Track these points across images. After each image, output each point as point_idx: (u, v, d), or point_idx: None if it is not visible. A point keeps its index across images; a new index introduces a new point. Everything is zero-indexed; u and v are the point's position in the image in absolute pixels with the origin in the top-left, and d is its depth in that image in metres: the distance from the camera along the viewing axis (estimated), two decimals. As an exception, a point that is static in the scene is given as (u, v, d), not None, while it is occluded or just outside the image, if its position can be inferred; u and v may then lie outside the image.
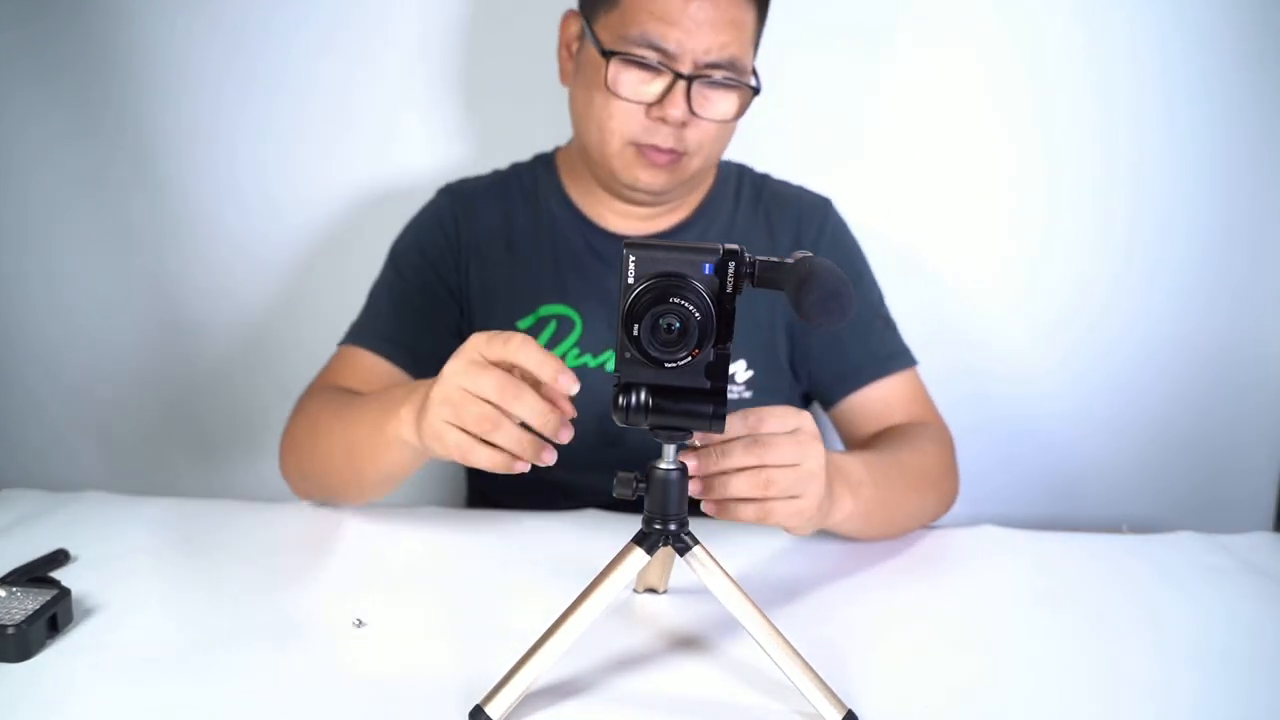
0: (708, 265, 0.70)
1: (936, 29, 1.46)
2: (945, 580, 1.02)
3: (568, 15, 1.18)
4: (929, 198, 1.51)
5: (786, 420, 0.82)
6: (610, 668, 0.83)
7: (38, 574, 0.94)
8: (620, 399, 0.72)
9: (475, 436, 0.81)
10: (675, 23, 1.06)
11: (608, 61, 1.08)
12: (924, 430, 1.17)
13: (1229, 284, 1.50)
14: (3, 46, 1.52)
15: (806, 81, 1.48)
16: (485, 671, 0.79)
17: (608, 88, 1.09)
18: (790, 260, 0.69)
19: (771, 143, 1.36)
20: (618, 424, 0.73)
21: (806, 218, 1.25)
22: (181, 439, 1.68)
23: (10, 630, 0.82)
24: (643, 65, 1.08)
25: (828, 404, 1.26)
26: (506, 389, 0.78)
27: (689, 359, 0.70)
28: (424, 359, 1.23)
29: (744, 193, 1.27)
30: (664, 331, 0.69)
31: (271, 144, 1.55)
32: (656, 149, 1.11)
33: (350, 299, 1.30)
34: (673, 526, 0.76)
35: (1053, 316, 1.53)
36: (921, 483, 1.10)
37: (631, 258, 0.70)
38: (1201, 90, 1.43)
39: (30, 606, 0.85)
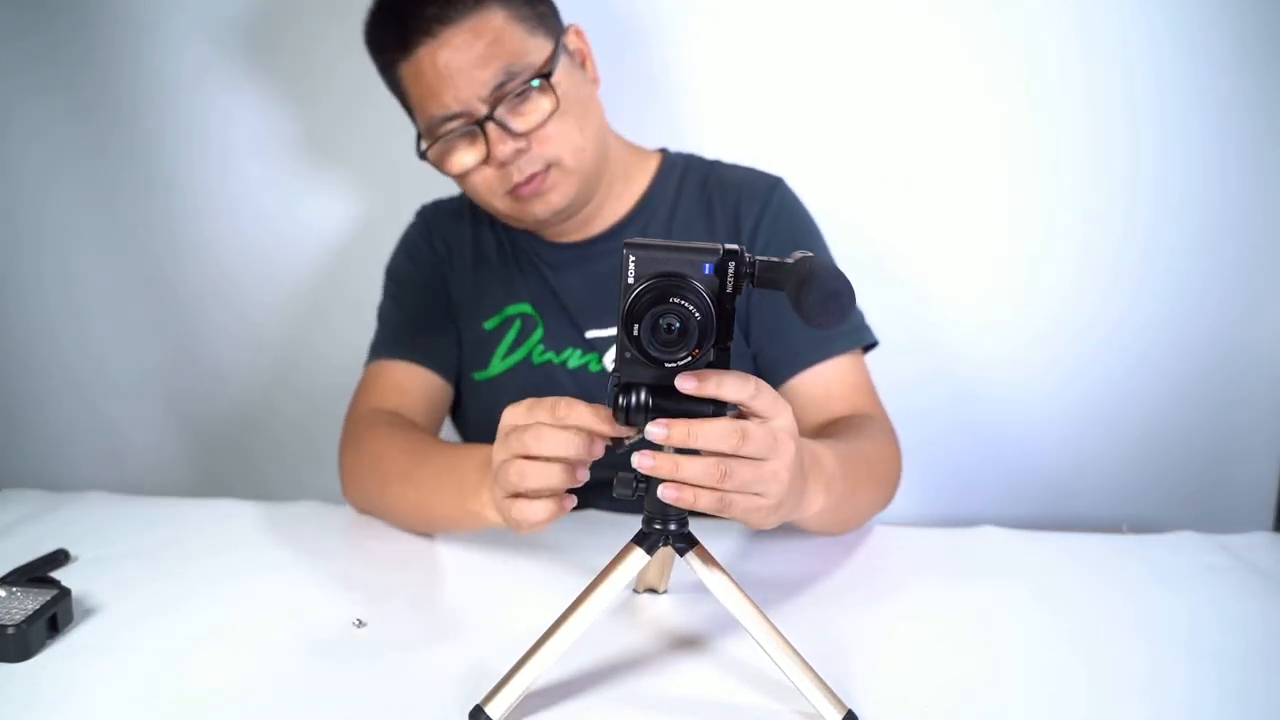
0: (708, 265, 0.70)
1: (925, 30, 1.45)
2: (945, 580, 1.02)
3: None
4: (922, 199, 1.50)
5: (774, 407, 0.76)
6: (610, 668, 0.83)
7: (38, 574, 0.94)
8: (620, 398, 0.72)
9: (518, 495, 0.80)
10: (441, 89, 1.08)
11: (427, 160, 1.14)
12: (871, 423, 1.14)
13: (1226, 282, 1.49)
14: (10, 58, 1.52)
15: (783, 79, 1.47)
16: (485, 671, 0.79)
17: (450, 175, 1.14)
18: (790, 260, 0.69)
19: (751, 144, 1.36)
20: (616, 422, 0.73)
21: (748, 199, 1.23)
22: (181, 440, 1.68)
23: (10, 630, 0.82)
24: (450, 138, 1.11)
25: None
26: (527, 440, 0.77)
27: (689, 359, 0.70)
28: (445, 355, 1.26)
29: (687, 182, 1.26)
30: (664, 331, 0.69)
31: (282, 151, 1.55)
32: (521, 186, 1.12)
33: (355, 306, 1.31)
34: (672, 526, 0.76)
35: (1050, 315, 1.52)
36: (879, 477, 1.09)
37: (631, 258, 0.70)
38: (1193, 88, 1.43)
39: (30, 606, 0.85)
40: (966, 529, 1.13)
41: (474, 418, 1.29)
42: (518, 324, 1.25)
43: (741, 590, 0.77)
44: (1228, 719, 0.79)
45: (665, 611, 0.93)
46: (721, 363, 0.72)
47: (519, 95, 1.09)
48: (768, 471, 0.75)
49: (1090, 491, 1.56)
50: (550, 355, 1.23)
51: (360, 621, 0.90)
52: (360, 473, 1.14)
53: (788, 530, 1.10)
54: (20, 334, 1.64)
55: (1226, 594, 0.99)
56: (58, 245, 1.60)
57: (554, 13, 1.16)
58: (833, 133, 1.49)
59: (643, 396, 0.72)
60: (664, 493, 0.72)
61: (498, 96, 1.08)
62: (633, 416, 0.72)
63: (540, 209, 1.14)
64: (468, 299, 1.27)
